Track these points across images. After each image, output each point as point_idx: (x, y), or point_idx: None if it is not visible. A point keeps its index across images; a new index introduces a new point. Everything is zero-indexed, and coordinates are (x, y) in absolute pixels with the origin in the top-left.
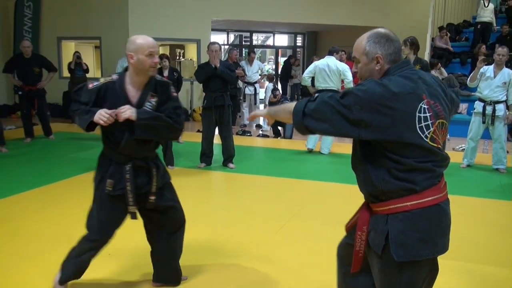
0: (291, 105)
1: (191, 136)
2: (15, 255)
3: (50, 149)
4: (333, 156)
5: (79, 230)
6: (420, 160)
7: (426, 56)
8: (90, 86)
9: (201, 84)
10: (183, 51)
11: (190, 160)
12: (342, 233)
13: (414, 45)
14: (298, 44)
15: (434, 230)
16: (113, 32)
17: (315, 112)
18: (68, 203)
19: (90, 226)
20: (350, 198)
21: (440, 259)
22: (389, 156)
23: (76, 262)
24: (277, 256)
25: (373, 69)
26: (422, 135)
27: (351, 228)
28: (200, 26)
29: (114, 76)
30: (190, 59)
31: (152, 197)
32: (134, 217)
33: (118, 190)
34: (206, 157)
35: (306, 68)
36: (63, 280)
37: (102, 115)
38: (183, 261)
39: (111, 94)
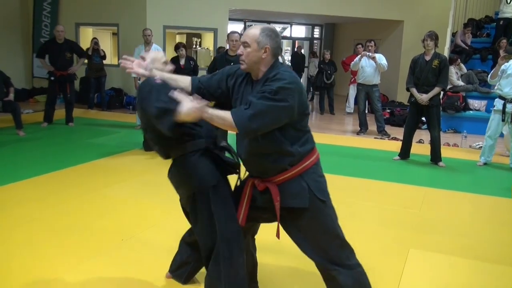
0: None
1: None
2: (28, 239)
3: (67, 134)
4: None
5: (91, 216)
6: (305, 124)
7: (445, 51)
8: None
9: None
10: (199, 40)
11: None
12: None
13: (437, 39)
14: (315, 36)
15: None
16: (130, 19)
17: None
18: (80, 188)
19: None
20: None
21: (455, 257)
22: (298, 128)
23: None
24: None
25: (260, 57)
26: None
27: (246, 218)
28: (217, 15)
29: None
30: (207, 48)
31: None
32: None
33: None
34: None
35: (319, 60)
36: None
37: None
38: None
39: None
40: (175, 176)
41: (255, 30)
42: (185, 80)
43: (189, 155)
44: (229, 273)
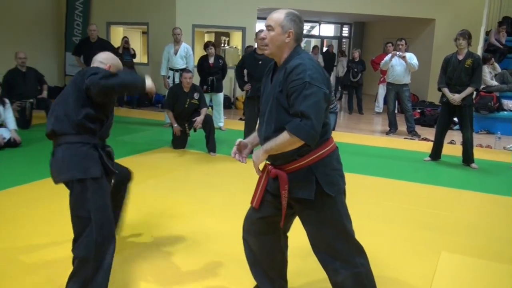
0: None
1: (233, 124)
2: (61, 233)
3: None
4: None
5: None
6: (326, 115)
7: (479, 50)
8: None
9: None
10: (228, 38)
11: (232, 147)
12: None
13: (471, 38)
14: (344, 34)
15: (341, 165)
16: (160, 18)
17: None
18: None
19: None
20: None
21: (487, 261)
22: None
23: None
24: None
25: (283, 41)
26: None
27: (260, 201)
28: (245, 14)
29: None
30: (235, 47)
31: None
32: None
33: None
34: None
35: (350, 58)
36: None
37: None
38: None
39: None
40: (61, 161)
41: (280, 14)
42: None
43: (82, 145)
44: (98, 257)
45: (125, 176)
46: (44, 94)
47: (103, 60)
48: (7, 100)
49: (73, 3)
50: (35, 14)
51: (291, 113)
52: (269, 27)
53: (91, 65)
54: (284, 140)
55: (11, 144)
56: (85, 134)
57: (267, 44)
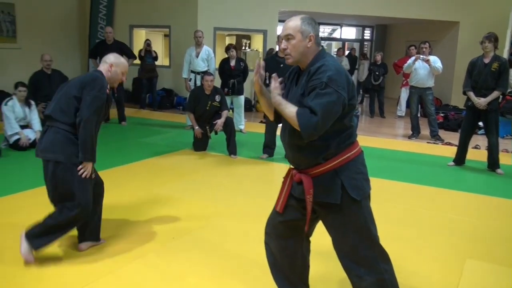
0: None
1: (254, 127)
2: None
3: (120, 133)
4: None
5: (142, 214)
6: (350, 119)
7: (505, 53)
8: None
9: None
10: (249, 41)
11: (252, 150)
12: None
13: (497, 41)
14: (366, 37)
15: (366, 169)
16: (182, 21)
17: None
18: (131, 187)
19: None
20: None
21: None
22: (344, 122)
23: None
24: None
25: (306, 46)
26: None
27: (284, 205)
28: (267, 17)
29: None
30: (256, 50)
31: None
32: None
33: None
34: (268, 148)
35: (372, 61)
36: None
37: None
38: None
39: None
40: (53, 140)
41: (295, 21)
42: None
43: (71, 134)
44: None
45: (100, 188)
46: None
47: (106, 59)
48: (32, 102)
49: (97, 6)
50: (60, 18)
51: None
52: (289, 36)
53: (100, 65)
54: (289, 115)
55: (36, 144)
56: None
57: (289, 53)
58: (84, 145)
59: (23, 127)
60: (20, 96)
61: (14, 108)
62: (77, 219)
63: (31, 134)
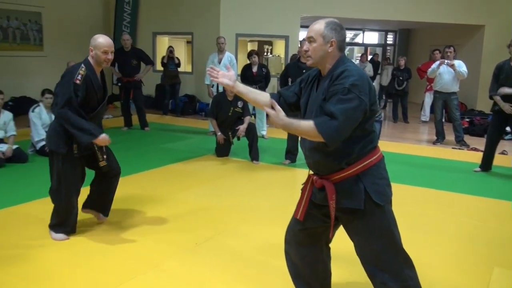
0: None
1: (276, 133)
2: (104, 241)
3: (143, 139)
4: None
5: (165, 220)
6: (372, 124)
7: None
8: (77, 81)
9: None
10: (271, 47)
11: (274, 156)
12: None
13: None
14: (388, 42)
15: (388, 174)
16: (204, 28)
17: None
18: (155, 192)
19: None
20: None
21: None
22: (366, 127)
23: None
24: None
25: (326, 51)
26: (375, 106)
27: (304, 213)
28: (289, 23)
29: (83, 66)
30: (278, 56)
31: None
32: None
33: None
34: (291, 154)
35: (395, 66)
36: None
37: None
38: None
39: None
40: (52, 131)
41: (320, 24)
42: (265, 96)
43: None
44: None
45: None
46: None
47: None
48: None
49: (121, 15)
50: (85, 26)
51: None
52: (310, 39)
53: None
54: (307, 129)
55: None
56: None
57: (310, 55)
58: (73, 132)
59: None
60: (47, 103)
61: (41, 114)
62: (51, 199)
63: None
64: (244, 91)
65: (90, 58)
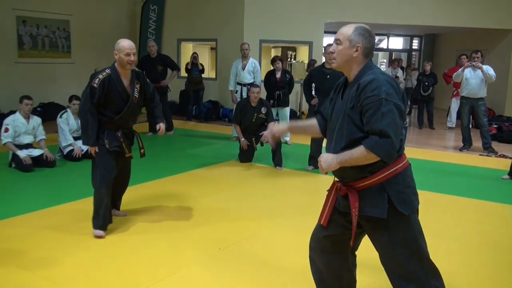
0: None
1: (299, 138)
2: (128, 245)
3: (168, 144)
4: None
5: (189, 225)
6: (401, 133)
7: None
8: (94, 84)
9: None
10: (294, 53)
11: (298, 162)
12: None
13: None
14: (414, 47)
15: (414, 183)
16: (228, 34)
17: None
18: (179, 197)
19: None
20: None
21: None
22: None
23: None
24: None
25: (351, 55)
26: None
27: (328, 219)
28: (312, 29)
29: (107, 70)
30: (301, 61)
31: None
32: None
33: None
34: (314, 160)
35: (420, 72)
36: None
37: None
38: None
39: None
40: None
41: (348, 28)
42: (312, 120)
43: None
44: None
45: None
46: None
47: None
48: None
49: (146, 22)
50: (112, 33)
51: (366, 130)
52: (337, 41)
53: None
54: (360, 156)
55: (87, 156)
56: (102, 117)
57: (335, 57)
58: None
59: (76, 138)
60: (74, 109)
61: (68, 120)
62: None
63: (84, 146)
64: (296, 131)
65: (116, 63)
